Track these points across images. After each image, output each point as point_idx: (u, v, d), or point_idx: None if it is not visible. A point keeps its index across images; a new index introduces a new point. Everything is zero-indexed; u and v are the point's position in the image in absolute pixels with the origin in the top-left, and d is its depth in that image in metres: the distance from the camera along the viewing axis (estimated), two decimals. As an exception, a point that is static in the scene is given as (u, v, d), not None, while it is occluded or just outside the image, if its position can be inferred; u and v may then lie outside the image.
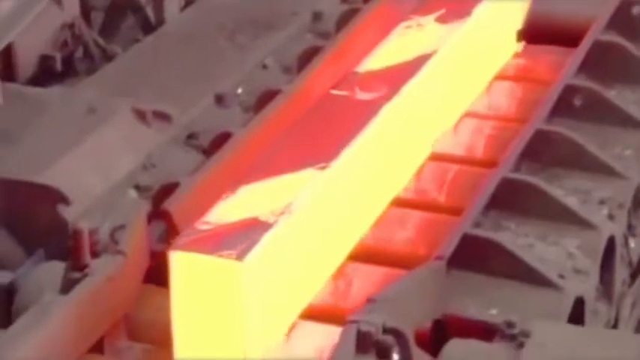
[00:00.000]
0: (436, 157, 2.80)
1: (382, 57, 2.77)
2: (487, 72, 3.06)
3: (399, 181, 2.65)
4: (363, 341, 2.03)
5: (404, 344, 2.06)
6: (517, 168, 2.69)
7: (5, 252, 2.85)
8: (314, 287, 2.31)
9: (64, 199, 2.77)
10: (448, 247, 2.36)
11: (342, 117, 2.55)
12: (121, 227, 2.43)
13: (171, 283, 2.08)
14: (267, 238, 2.12)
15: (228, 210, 2.20)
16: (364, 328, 2.04)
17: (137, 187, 2.75)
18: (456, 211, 2.54)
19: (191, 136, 2.91)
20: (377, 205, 2.56)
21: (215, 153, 2.63)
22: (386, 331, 2.06)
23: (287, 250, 2.19)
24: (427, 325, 2.29)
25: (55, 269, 2.37)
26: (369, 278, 2.38)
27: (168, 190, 2.52)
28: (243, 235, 2.11)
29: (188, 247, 2.08)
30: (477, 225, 2.51)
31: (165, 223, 2.43)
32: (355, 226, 2.47)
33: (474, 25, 2.92)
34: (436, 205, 2.67)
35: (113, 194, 2.75)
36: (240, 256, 2.04)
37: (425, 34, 2.85)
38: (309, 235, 2.28)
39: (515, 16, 3.15)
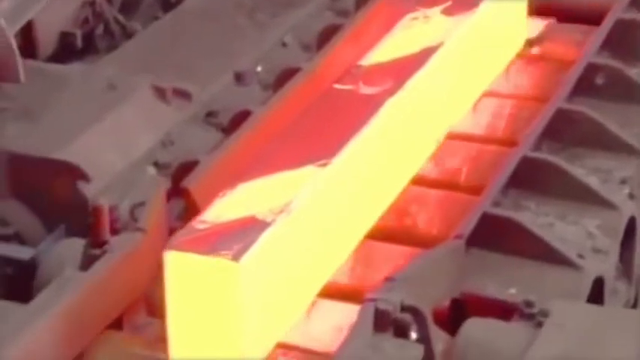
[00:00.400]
0: (456, 136, 2.78)
1: (387, 50, 2.67)
2: (495, 65, 2.97)
3: (402, 178, 2.56)
4: (381, 319, 2.04)
5: (422, 323, 2.06)
6: (538, 147, 2.68)
7: (26, 228, 2.87)
8: (313, 288, 2.24)
9: (84, 176, 2.78)
10: (467, 226, 2.36)
11: (345, 112, 2.45)
12: (141, 204, 2.44)
13: (166, 283, 2.01)
14: (265, 237, 2.05)
15: (225, 208, 2.13)
16: (382, 306, 2.04)
17: (156, 165, 2.75)
18: (475, 190, 2.54)
19: (210, 114, 2.92)
20: (379, 203, 2.48)
21: (234, 131, 2.63)
22: (404, 309, 2.06)
23: (285, 251, 2.12)
24: (445, 303, 2.29)
25: (75, 246, 2.38)
26: (387, 257, 2.38)
27: (188, 167, 2.52)
28: (240, 235, 2.04)
29: (183, 247, 2.01)
30: (497, 204, 2.50)
31: (184, 201, 2.44)
32: (357, 225, 2.39)
33: (482, 17, 2.82)
34: (456, 183, 2.66)
35: (132, 171, 2.76)
36: (236, 257, 1.97)
37: (431, 26, 2.74)
38: (309, 234, 2.20)
39: (524, 7, 3.06)
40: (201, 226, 2.08)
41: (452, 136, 2.77)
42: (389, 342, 2.03)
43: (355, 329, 2.02)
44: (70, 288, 2.15)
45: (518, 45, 3.07)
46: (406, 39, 2.70)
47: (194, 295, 1.99)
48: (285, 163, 2.26)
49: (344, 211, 2.33)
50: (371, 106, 2.45)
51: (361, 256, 2.38)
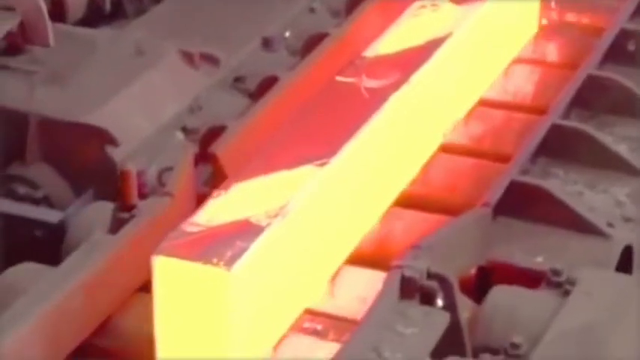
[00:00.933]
0: (485, 103, 2.76)
1: (392, 40, 2.48)
2: (505, 56, 2.82)
3: (405, 177, 2.41)
4: (407, 287, 2.04)
5: (448, 290, 2.06)
6: (567, 115, 2.66)
7: (55, 191, 2.89)
8: (308, 296, 2.12)
9: (112, 140, 2.79)
10: (495, 193, 2.35)
11: (347, 107, 2.27)
12: (168, 169, 2.45)
13: (154, 289, 1.89)
14: (259, 243, 1.91)
15: (218, 210, 1.99)
16: (408, 273, 2.04)
17: (184, 130, 2.76)
18: (503, 158, 2.52)
19: (238, 80, 2.92)
20: (381, 205, 2.33)
21: (262, 97, 2.63)
22: (430, 276, 2.06)
23: (280, 257, 1.99)
24: (472, 271, 2.29)
25: (104, 209, 2.40)
26: (414, 224, 2.38)
27: (215, 133, 2.53)
28: (233, 240, 1.90)
29: (172, 252, 1.88)
30: (525, 172, 2.48)
31: (211, 166, 2.44)
32: (356, 228, 2.25)
33: (493, 6, 2.67)
34: (484, 151, 2.64)
35: (160, 136, 2.77)
36: (228, 265, 1.85)
37: (439, 15, 2.54)
38: (306, 239, 2.07)
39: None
40: (192, 230, 1.94)
41: (481, 103, 2.75)
42: (415, 309, 2.03)
43: (381, 296, 2.03)
44: (99, 251, 2.17)
45: (529, 34, 2.93)
46: (413, 29, 2.52)
47: (183, 303, 1.87)
48: (282, 162, 2.11)
49: (344, 214, 2.19)
50: (374, 100, 2.28)
51: (388, 223, 2.38)
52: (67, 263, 2.18)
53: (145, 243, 2.09)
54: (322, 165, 2.11)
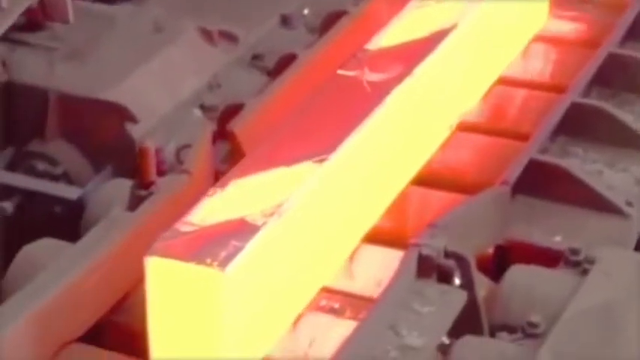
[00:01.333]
0: (504, 81, 2.75)
1: (395, 32, 2.38)
2: (513, 47, 2.74)
3: (408, 174, 2.34)
4: (425, 265, 2.04)
5: (465, 269, 2.06)
6: (587, 93, 2.64)
7: (74, 168, 2.90)
8: (305, 297, 2.05)
9: (131, 117, 2.80)
10: (514, 172, 2.34)
11: (347, 101, 2.19)
12: (187, 147, 2.45)
13: (147, 290, 1.84)
14: (254, 243, 1.85)
15: (213, 209, 1.92)
16: (426, 252, 2.04)
17: (202, 107, 2.76)
18: (522, 137, 2.51)
19: (256, 57, 2.91)
20: (382, 203, 2.26)
21: (280, 74, 2.63)
22: (447, 255, 2.06)
23: (276, 258, 1.92)
24: (489, 250, 2.29)
25: (122, 186, 2.41)
26: (432, 202, 2.37)
27: (234, 110, 2.53)
28: (228, 240, 1.83)
29: (166, 253, 1.82)
30: (544, 150, 2.47)
31: (229, 144, 2.45)
32: (356, 228, 2.18)
33: None
34: (503, 129, 2.63)
35: (179, 114, 2.77)
36: (221, 265, 1.79)
37: (444, 6, 2.45)
38: (303, 239, 2.00)
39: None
40: (186, 229, 1.88)
41: (500, 81, 2.74)
42: (432, 287, 2.03)
43: (398, 275, 2.03)
44: (117, 228, 2.18)
45: (538, 25, 2.84)
46: (417, 20, 2.42)
47: (177, 304, 1.81)
48: (280, 158, 2.03)
49: (343, 213, 2.11)
50: (376, 94, 2.19)
51: (406, 201, 2.38)
52: (86, 240, 2.19)
53: (163, 220, 2.09)
54: (321, 161, 2.03)
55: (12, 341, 1.94)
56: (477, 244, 2.20)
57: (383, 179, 2.24)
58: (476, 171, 2.51)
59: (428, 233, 2.09)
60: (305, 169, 2.02)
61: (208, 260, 1.80)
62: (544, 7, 2.86)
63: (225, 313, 1.81)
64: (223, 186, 1.98)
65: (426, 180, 2.43)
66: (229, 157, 2.42)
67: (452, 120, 2.50)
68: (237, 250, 1.82)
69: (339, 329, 2.03)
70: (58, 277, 2.06)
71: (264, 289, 1.91)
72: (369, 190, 2.20)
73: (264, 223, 1.89)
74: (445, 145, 2.52)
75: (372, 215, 2.24)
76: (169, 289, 1.82)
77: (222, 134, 2.48)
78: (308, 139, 2.09)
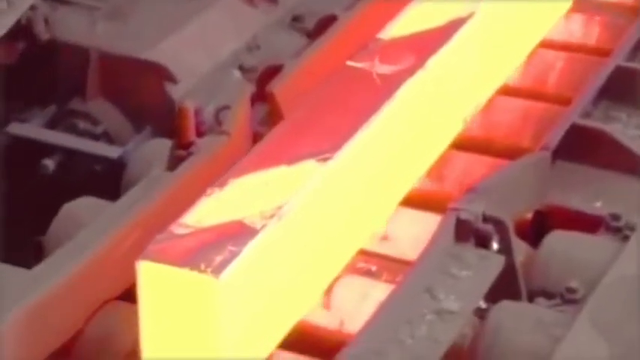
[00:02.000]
0: (547, 44, 2.71)
1: (409, 22, 2.25)
2: (532, 38, 2.61)
3: (417, 174, 2.21)
4: (463, 229, 2.03)
5: (504, 234, 2.05)
6: (632, 57, 2.60)
7: (115, 127, 2.92)
8: (306, 304, 1.94)
9: (171, 77, 2.80)
10: (555, 137, 2.32)
11: (356, 95, 2.05)
12: (226, 108, 2.45)
13: (140, 295, 1.74)
14: (252, 248, 1.74)
15: (210, 210, 1.81)
16: (464, 216, 2.03)
17: (242, 68, 2.76)
18: (564, 101, 2.48)
19: (296, 19, 2.89)
20: (389, 205, 2.14)
21: (319, 36, 2.61)
22: (486, 220, 2.05)
23: (275, 263, 1.81)
24: (529, 215, 2.27)
25: (162, 146, 2.42)
26: (471, 167, 2.36)
27: (273, 72, 2.52)
28: (224, 244, 1.73)
29: (158, 257, 1.72)
30: (587, 115, 2.44)
31: (268, 106, 2.44)
32: (361, 232, 2.06)
33: None
34: (544, 93, 2.61)
35: (218, 75, 2.77)
36: (216, 271, 1.68)
37: None
38: (304, 243, 1.88)
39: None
40: (181, 232, 1.77)
41: (543, 44, 2.70)
42: (470, 252, 2.03)
43: (436, 238, 2.02)
44: (157, 188, 2.19)
45: (560, 12, 2.71)
46: (431, 9, 2.28)
47: (170, 310, 1.72)
48: (281, 156, 1.91)
49: (348, 216, 1.99)
50: (386, 88, 2.06)
51: (445, 165, 2.36)
52: (126, 199, 2.21)
53: (202, 181, 2.10)
54: (325, 160, 1.91)
55: (54, 298, 1.97)
56: (516, 210, 2.18)
57: (391, 178, 2.12)
58: (516, 135, 2.48)
59: (467, 197, 2.07)
60: (308, 168, 1.89)
61: (202, 266, 1.69)
62: None
63: (220, 321, 1.70)
64: (221, 185, 1.86)
65: (466, 144, 2.41)
66: (268, 118, 2.42)
67: (466, 113, 2.38)
68: (234, 256, 1.71)
69: (376, 292, 2.03)
70: (99, 235, 2.08)
71: (261, 296, 1.80)
72: (375, 190, 2.07)
73: (263, 226, 1.77)
74: (486, 109, 2.50)
75: (378, 217, 2.12)
76: (162, 295, 1.72)
77: (260, 96, 2.48)
78: (312, 136, 1.96)
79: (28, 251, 2.33)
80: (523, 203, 2.24)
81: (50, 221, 2.26)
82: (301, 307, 1.94)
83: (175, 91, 2.77)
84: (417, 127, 2.16)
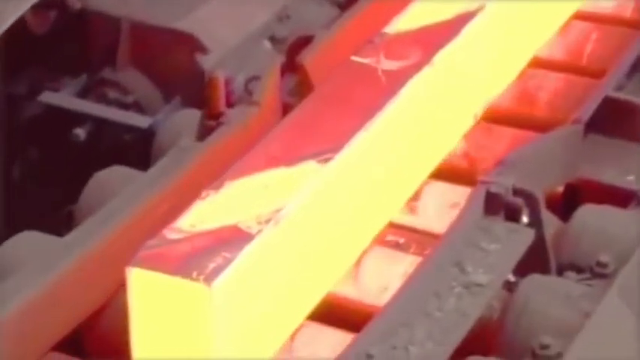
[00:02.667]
0: (580, 16, 2.68)
1: (416, 14, 2.15)
2: (548, 26, 2.53)
3: (423, 173, 2.12)
4: (492, 203, 2.02)
5: (534, 207, 2.03)
6: (668, 28, 2.57)
7: (145, 97, 2.93)
8: (303, 311, 1.85)
9: (201, 48, 2.80)
10: (587, 110, 2.29)
11: (359, 92, 1.95)
12: (256, 78, 2.45)
13: (130, 303, 1.67)
14: (246, 254, 1.65)
15: (204, 214, 1.72)
16: (494, 189, 2.02)
17: (272, 39, 2.75)
18: (598, 74, 2.45)
19: (328, -11, 2.88)
20: (393, 206, 2.06)
21: (350, 7, 2.60)
22: (516, 193, 2.03)
23: (272, 270, 1.72)
24: (559, 189, 2.26)
25: (192, 116, 2.42)
26: (502, 139, 2.34)
27: (303, 42, 2.51)
28: (218, 250, 1.65)
29: (149, 264, 1.64)
30: (620, 88, 2.42)
31: (298, 76, 2.44)
32: (362, 235, 1.97)
33: None
34: (577, 66, 2.58)
35: (248, 45, 2.76)
36: (208, 279, 1.60)
37: None
38: (303, 249, 1.79)
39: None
40: (173, 236, 1.69)
41: (576, 16, 2.67)
42: (499, 225, 2.02)
43: (466, 211, 2.01)
44: (186, 158, 2.20)
45: (577, 3, 2.62)
46: (439, 2, 2.17)
47: (161, 319, 1.65)
48: (281, 156, 1.81)
49: (348, 220, 1.90)
50: (392, 84, 1.96)
51: (476, 137, 2.35)
52: (156, 169, 2.22)
53: (232, 151, 2.10)
54: (326, 161, 1.81)
55: (85, 266, 1.98)
56: (547, 183, 2.17)
57: (395, 179, 2.02)
58: (548, 108, 2.46)
59: (497, 170, 2.06)
60: (307, 169, 1.79)
61: (195, 273, 1.61)
62: None
63: (213, 330, 1.62)
64: (217, 188, 1.77)
65: (496, 116, 2.39)
66: (297, 89, 2.41)
67: (477, 109, 2.28)
68: (227, 262, 1.63)
69: (404, 264, 2.03)
70: (129, 204, 2.09)
71: (257, 303, 1.71)
72: (378, 192, 1.98)
73: (259, 232, 1.68)
74: (518, 81, 2.47)
75: (380, 221, 2.03)
76: (153, 303, 1.64)
77: (290, 66, 2.47)
78: (313, 136, 1.87)
79: (59, 219, 2.35)
80: (554, 176, 2.22)
81: (81, 190, 2.28)
82: (299, 313, 1.85)
83: (206, 62, 2.78)
84: (424, 125, 2.07)
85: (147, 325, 1.67)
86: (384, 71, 2.00)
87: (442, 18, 2.14)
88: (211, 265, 1.63)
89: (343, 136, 1.86)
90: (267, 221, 1.70)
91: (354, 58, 2.04)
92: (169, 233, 1.70)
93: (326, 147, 1.83)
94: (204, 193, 1.77)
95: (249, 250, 1.66)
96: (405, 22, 2.13)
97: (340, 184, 1.86)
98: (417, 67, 2.01)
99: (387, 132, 1.95)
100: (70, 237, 2.04)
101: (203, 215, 1.73)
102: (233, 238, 1.68)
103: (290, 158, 1.81)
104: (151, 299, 1.65)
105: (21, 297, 1.88)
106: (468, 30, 2.13)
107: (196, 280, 1.61)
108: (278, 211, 1.72)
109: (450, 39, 2.09)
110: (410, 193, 2.10)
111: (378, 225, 2.02)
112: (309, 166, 1.80)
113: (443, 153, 2.18)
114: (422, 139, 2.08)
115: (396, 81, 1.98)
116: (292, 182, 1.77)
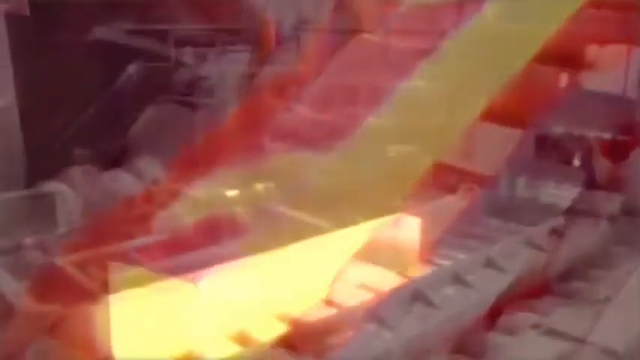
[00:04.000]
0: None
1: None
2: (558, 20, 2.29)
3: (426, 165, 2.00)
4: (543, 144, 2.00)
5: (586, 151, 2.01)
6: None
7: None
8: (292, 309, 1.78)
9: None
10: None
11: (370, 72, 1.88)
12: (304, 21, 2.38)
13: (112, 299, 1.61)
14: (235, 251, 1.65)
15: (194, 209, 1.72)
16: (546, 132, 1.99)
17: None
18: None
19: None
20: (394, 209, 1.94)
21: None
22: (569, 136, 2.01)
23: (259, 267, 1.69)
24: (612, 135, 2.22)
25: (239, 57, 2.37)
26: (552, 80, 2.30)
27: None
28: (206, 247, 1.64)
29: (135, 261, 1.64)
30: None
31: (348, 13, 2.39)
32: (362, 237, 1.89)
33: None
34: (631, 4, 2.50)
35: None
36: (195, 277, 1.59)
37: None
38: (289, 247, 1.75)
39: None
40: (160, 236, 1.69)
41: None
42: (551, 168, 2.00)
43: (516, 154, 1.99)
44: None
45: None
46: None
47: (147, 316, 1.60)
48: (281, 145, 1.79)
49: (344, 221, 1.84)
50: (403, 64, 1.87)
51: (524, 79, 2.30)
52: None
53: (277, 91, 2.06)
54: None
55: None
56: (599, 127, 2.13)
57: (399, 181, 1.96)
58: (603, 50, 2.40)
59: (550, 114, 2.03)
60: (303, 160, 1.74)
61: (181, 271, 1.61)
62: None
63: (198, 327, 1.61)
64: (210, 178, 1.76)
65: (546, 57, 2.34)
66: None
67: (492, 88, 2.13)
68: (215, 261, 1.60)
69: (454, 205, 2.02)
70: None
71: (244, 302, 1.68)
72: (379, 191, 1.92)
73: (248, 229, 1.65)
74: (571, 21, 2.41)
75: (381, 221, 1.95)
76: (140, 300, 1.60)
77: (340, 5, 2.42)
78: (313, 125, 1.82)
79: (111, 154, 2.36)
80: (607, 120, 2.18)
81: (132, 125, 2.29)
82: (287, 309, 1.79)
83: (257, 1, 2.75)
84: (433, 106, 2.00)
85: (132, 320, 1.62)
86: (397, 49, 1.94)
87: None
88: (198, 264, 1.62)
89: (347, 126, 1.84)
90: (260, 217, 1.70)
91: (366, 35, 1.97)
92: (157, 233, 1.70)
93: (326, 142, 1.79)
94: (191, 191, 1.79)
95: (237, 247, 1.67)
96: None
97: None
98: (430, 48, 1.97)
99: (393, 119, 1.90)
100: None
101: (193, 210, 1.73)
102: (222, 235, 1.68)
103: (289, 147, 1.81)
104: (137, 297, 1.61)
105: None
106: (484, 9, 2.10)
107: (183, 277, 1.60)
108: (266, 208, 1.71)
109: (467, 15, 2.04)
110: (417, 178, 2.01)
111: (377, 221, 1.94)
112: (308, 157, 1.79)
113: (454, 135, 2.12)
114: (430, 121, 2.04)
115: (409, 60, 1.92)
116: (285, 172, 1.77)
